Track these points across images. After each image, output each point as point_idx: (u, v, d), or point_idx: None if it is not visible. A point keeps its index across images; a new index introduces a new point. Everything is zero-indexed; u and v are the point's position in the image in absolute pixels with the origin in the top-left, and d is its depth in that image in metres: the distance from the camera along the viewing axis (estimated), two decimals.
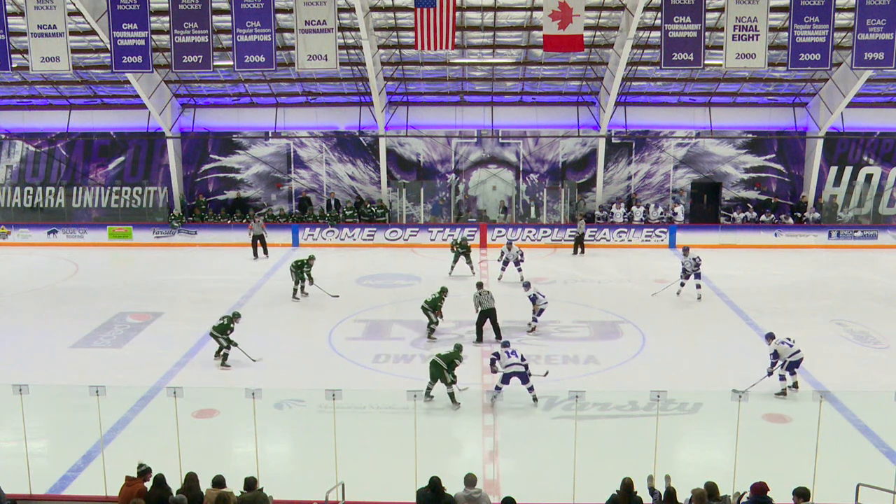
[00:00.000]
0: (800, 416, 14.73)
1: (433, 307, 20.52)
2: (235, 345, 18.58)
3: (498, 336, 20.04)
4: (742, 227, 32.55)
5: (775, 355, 16.56)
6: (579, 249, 31.01)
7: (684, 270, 24.25)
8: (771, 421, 15.08)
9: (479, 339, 20.19)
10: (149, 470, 11.12)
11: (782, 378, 16.54)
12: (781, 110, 33.39)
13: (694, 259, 24.04)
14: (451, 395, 15.91)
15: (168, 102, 32.72)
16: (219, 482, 10.84)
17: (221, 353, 18.61)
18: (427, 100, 33.68)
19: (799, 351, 16.56)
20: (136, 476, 11.06)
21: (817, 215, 32.69)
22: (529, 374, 16.05)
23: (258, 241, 30.13)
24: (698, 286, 24.09)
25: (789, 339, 16.73)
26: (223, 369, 18.31)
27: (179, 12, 23.86)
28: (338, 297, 24.10)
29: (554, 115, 33.50)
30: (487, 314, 20.28)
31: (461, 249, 27.32)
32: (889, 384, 16.00)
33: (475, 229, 32.32)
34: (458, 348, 16.57)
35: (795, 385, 16.56)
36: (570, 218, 33.10)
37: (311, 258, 24.75)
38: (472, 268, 27.30)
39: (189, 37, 23.97)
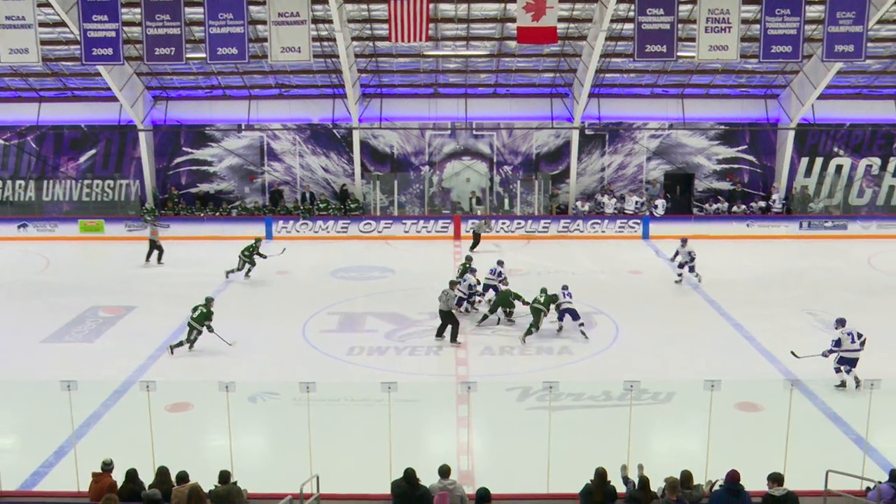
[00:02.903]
0: (771, 404, 14.86)
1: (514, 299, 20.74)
2: (212, 331, 18.58)
3: (453, 339, 19.41)
4: (714, 218, 32.75)
5: (837, 343, 16.47)
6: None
7: (679, 261, 24.91)
8: (743, 410, 15.22)
9: (439, 333, 19.68)
10: (112, 464, 11.06)
11: (837, 370, 16.53)
12: (753, 102, 33.62)
13: (689, 252, 24.66)
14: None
15: (140, 95, 32.44)
16: (182, 478, 10.78)
17: (191, 339, 18.69)
18: (401, 92, 33.60)
19: (859, 350, 16.34)
20: (101, 472, 10.98)
21: (779, 206, 32.90)
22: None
23: (153, 247, 28.27)
24: (679, 276, 24.96)
25: (857, 334, 16.49)
26: (191, 352, 18.52)
27: (151, 4, 23.68)
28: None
29: (528, 107, 33.54)
30: (441, 316, 19.55)
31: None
32: (858, 372, 16.18)
33: (449, 221, 32.32)
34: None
35: (857, 381, 16.07)
36: (545, 209, 33.18)
37: (258, 241, 25.74)
38: (471, 248, 28.18)
39: (161, 29, 23.78)
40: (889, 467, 11.26)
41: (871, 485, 10.79)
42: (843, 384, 16.43)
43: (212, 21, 23.69)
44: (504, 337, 19.90)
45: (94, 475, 10.97)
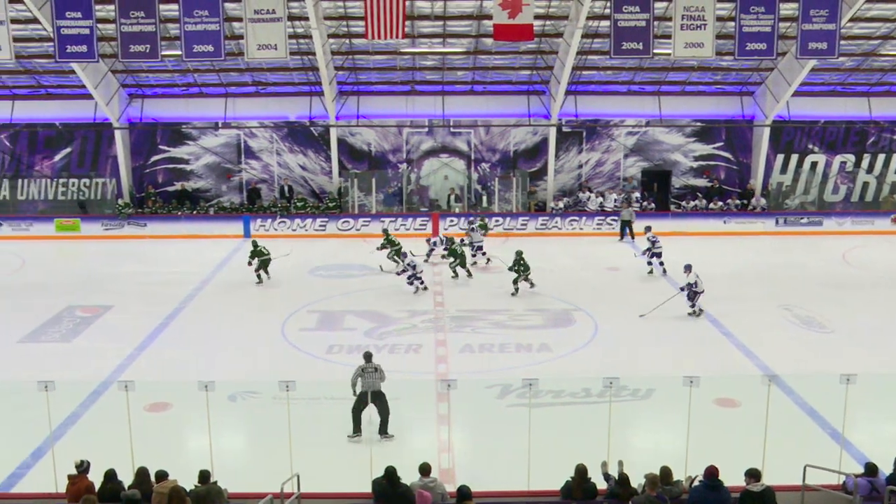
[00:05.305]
0: (749, 399, 14.95)
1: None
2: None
3: (383, 431, 14.33)
4: (691, 215, 32.95)
5: (694, 285, 20.92)
6: (627, 235, 31.30)
7: (647, 249, 25.83)
8: (721, 405, 15.32)
9: (356, 429, 14.36)
10: (88, 464, 10.98)
11: (692, 305, 21.01)
12: (729, 99, 33.85)
13: (650, 238, 25.67)
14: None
15: (115, 93, 32.20)
16: (161, 476, 10.72)
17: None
18: (378, 89, 33.58)
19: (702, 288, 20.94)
20: (76, 474, 10.90)
21: (763, 202, 33.22)
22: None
23: None
24: (649, 262, 25.79)
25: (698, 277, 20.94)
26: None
27: (125, 1, 23.45)
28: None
29: (505, 105, 33.60)
30: (371, 398, 14.20)
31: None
32: (834, 367, 16.29)
33: (427, 219, 32.33)
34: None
35: (700, 310, 21.14)
36: (523, 206, 33.23)
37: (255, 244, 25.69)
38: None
39: (136, 26, 23.57)
40: (865, 461, 11.36)
41: (845, 478, 10.90)
42: (698, 312, 21.06)
43: (187, 18, 23.53)
44: (483, 335, 19.92)
45: (70, 477, 10.86)
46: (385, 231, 28.07)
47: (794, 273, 26.54)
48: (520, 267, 23.24)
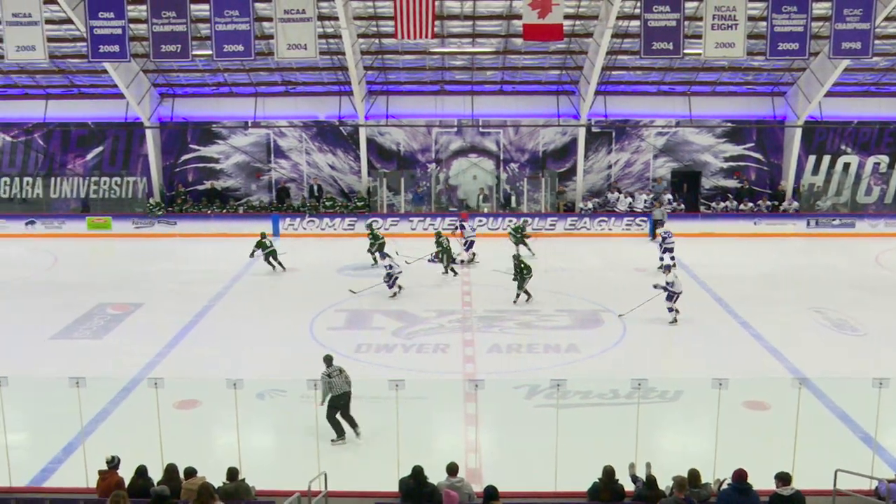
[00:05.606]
0: (779, 402, 14.83)
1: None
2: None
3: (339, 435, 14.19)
4: (721, 216, 32.70)
5: (672, 284, 20.56)
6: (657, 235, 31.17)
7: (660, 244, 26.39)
8: (751, 408, 15.19)
9: (340, 433, 14.21)
10: (118, 460, 11.07)
11: (671, 309, 20.57)
12: (760, 99, 33.55)
13: (664, 233, 26.43)
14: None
15: (146, 92, 32.48)
16: (190, 472, 10.80)
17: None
18: (407, 89, 33.60)
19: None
20: (106, 469, 11.00)
21: (796, 204, 32.91)
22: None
23: None
24: (661, 258, 26.04)
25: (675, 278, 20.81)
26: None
27: (157, 1, 23.65)
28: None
29: (534, 105, 33.52)
30: (339, 401, 14.21)
31: (517, 235, 27.93)
32: (866, 371, 16.12)
33: (455, 218, 32.32)
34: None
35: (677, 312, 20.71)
36: (552, 207, 33.15)
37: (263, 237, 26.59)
38: (530, 251, 28.00)
39: (167, 26, 23.78)
40: None
41: (877, 483, 10.77)
42: (675, 318, 20.54)
43: (218, 18, 23.70)
44: (511, 335, 19.88)
45: (101, 473, 10.97)
46: (369, 226, 28.78)
47: (825, 275, 26.28)
48: (521, 272, 22.49)
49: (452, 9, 28.09)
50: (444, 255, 25.76)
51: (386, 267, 23.50)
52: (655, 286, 21.01)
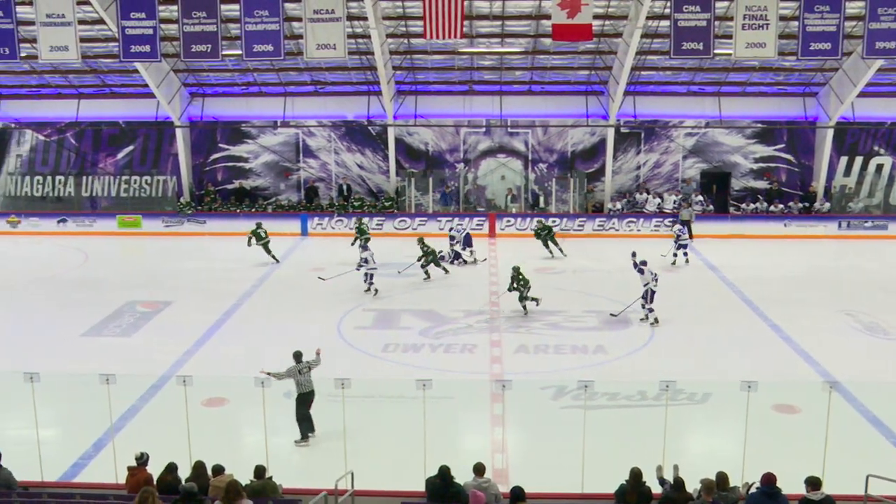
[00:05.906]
0: (809, 406, 14.70)
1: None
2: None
3: (309, 432, 14.31)
4: (751, 218, 32.45)
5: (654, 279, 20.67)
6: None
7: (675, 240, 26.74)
8: (780, 411, 15.05)
9: (304, 435, 14.28)
10: (147, 457, 11.16)
11: (643, 306, 20.64)
12: (791, 100, 33.24)
13: (677, 230, 26.94)
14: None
15: (177, 91, 32.74)
16: (218, 470, 10.86)
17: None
18: (435, 89, 33.62)
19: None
20: (135, 465, 11.09)
21: (827, 206, 32.59)
22: None
23: None
24: (674, 254, 26.73)
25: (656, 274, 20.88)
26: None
27: (188, 1, 23.84)
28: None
29: (563, 105, 33.42)
30: (309, 398, 14.35)
31: (542, 235, 28.22)
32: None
33: (484, 219, 32.31)
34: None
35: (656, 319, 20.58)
36: (580, 207, 33.04)
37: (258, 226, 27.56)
38: (560, 250, 28.34)
39: (197, 26, 23.95)
40: None
41: None
42: (652, 320, 20.43)
43: (248, 18, 23.84)
44: (539, 336, 19.84)
45: (130, 469, 11.08)
46: (358, 220, 29.10)
47: (857, 278, 26.01)
48: (518, 284, 21.42)
49: (481, 9, 28.08)
50: (431, 259, 25.41)
51: (361, 260, 23.63)
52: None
